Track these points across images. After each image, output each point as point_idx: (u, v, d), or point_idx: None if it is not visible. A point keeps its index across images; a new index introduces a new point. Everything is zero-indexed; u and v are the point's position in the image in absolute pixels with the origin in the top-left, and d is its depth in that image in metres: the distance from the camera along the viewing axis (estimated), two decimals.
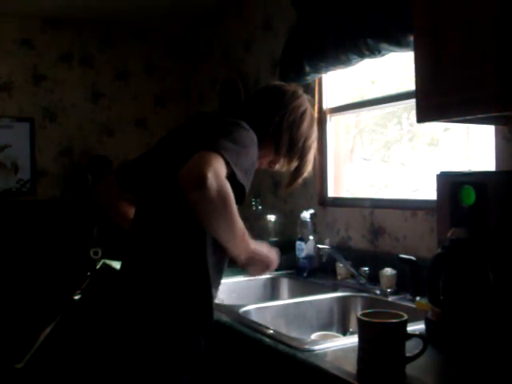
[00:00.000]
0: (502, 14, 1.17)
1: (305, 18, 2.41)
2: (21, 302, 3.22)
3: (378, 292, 1.91)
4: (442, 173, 1.49)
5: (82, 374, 1.40)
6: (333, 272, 2.22)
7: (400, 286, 1.89)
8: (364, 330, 1.14)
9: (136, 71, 3.86)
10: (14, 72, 3.53)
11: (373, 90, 2.57)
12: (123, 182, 1.59)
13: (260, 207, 2.74)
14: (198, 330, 1.38)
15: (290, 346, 1.36)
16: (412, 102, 1.51)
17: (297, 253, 2.30)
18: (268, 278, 2.31)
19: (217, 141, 1.25)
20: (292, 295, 2.23)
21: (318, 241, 2.35)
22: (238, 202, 1.27)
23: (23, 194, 3.54)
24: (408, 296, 1.82)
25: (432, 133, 2.37)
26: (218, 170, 1.17)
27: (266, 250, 1.48)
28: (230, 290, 2.16)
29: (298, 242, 2.31)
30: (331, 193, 2.51)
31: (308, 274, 2.27)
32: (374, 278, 1.99)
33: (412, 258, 1.79)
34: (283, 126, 1.55)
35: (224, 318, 1.65)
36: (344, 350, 1.31)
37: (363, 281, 2.01)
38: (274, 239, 2.59)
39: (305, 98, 1.63)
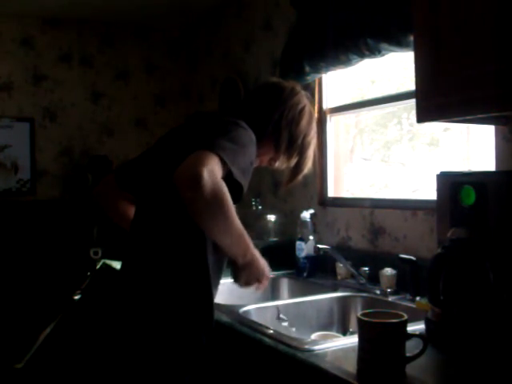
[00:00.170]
0: (502, 15, 1.17)
1: (305, 17, 2.41)
2: (21, 302, 3.22)
3: (377, 292, 1.91)
4: (441, 173, 1.49)
5: (83, 374, 1.40)
6: (333, 272, 2.22)
7: (400, 286, 1.89)
8: (364, 330, 1.14)
9: (136, 71, 3.86)
10: (14, 72, 3.53)
11: (373, 90, 2.57)
12: (122, 182, 1.60)
13: (260, 207, 2.74)
14: (198, 329, 1.38)
15: (290, 345, 1.36)
16: (412, 102, 1.51)
17: (297, 253, 2.30)
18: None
19: (214, 140, 1.25)
20: (292, 295, 2.23)
21: (318, 241, 2.35)
22: (235, 201, 1.26)
23: (23, 194, 3.53)
24: (408, 296, 1.82)
25: (432, 133, 2.37)
26: (212, 169, 1.17)
27: (263, 261, 1.45)
28: (230, 290, 2.16)
29: (298, 242, 2.31)
30: (331, 193, 2.51)
31: (308, 274, 2.27)
32: (374, 278, 1.99)
33: (412, 258, 1.79)
34: (282, 124, 1.55)
35: (224, 317, 1.65)
36: (344, 350, 1.32)
37: (363, 281, 2.01)
38: (274, 239, 2.59)
39: (303, 94, 1.63)
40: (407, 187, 2.40)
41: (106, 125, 3.77)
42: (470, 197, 1.36)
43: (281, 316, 1.80)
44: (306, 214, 2.31)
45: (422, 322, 1.40)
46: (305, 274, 2.27)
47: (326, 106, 2.54)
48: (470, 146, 2.13)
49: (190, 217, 1.24)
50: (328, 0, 2.23)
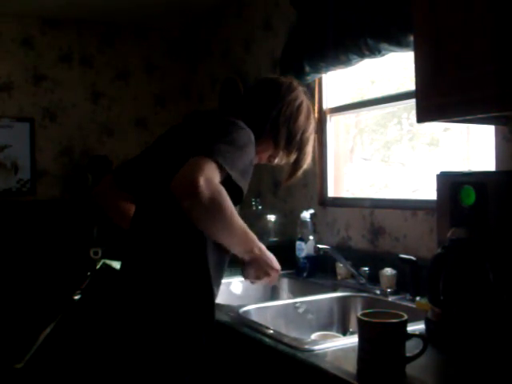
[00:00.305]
0: (502, 15, 1.17)
1: (305, 17, 2.41)
2: (21, 302, 3.22)
3: (378, 292, 1.91)
4: (442, 173, 1.49)
5: (83, 374, 1.40)
6: (333, 272, 2.22)
7: (400, 286, 1.89)
8: (364, 330, 1.14)
9: (136, 71, 3.86)
10: (14, 72, 3.53)
11: (373, 90, 2.57)
12: (121, 182, 1.60)
13: (260, 207, 2.74)
14: (199, 329, 1.38)
15: (290, 345, 1.36)
16: (412, 101, 1.51)
17: (297, 253, 2.30)
18: None
19: (211, 145, 1.25)
20: (292, 295, 2.22)
21: (318, 241, 2.35)
22: (236, 202, 1.28)
23: (23, 194, 3.53)
24: (408, 296, 1.82)
25: (432, 133, 2.37)
26: (209, 176, 1.18)
27: (270, 255, 1.49)
28: (231, 290, 2.16)
29: (298, 242, 2.31)
30: (331, 193, 2.51)
31: (308, 273, 2.27)
32: (374, 278, 1.99)
33: (412, 258, 1.79)
34: (280, 120, 1.55)
35: (224, 317, 1.65)
36: (344, 350, 1.32)
37: (363, 281, 2.01)
38: (274, 239, 2.59)
39: (300, 89, 1.63)
40: (407, 187, 2.40)
41: (106, 125, 3.77)
42: (469, 197, 1.36)
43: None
44: (306, 214, 2.31)
45: (422, 322, 1.40)
46: (305, 274, 2.27)
47: (326, 106, 2.54)
48: (470, 146, 2.13)
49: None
50: (328, 0, 2.23)
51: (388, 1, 1.91)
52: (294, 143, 1.59)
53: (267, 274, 1.50)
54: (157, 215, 1.43)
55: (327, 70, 2.33)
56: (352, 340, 1.32)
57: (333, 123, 2.54)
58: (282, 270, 2.30)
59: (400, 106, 2.24)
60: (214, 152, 1.23)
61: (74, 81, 3.68)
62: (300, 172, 1.65)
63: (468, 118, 1.35)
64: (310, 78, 2.43)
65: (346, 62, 2.19)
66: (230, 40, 3.36)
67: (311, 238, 2.30)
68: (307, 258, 2.28)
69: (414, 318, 1.41)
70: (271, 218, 2.62)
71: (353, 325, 1.89)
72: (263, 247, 1.46)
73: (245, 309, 1.77)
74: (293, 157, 1.62)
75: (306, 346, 1.34)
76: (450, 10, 1.29)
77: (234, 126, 1.37)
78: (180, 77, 3.96)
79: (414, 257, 1.80)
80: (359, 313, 1.20)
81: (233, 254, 1.45)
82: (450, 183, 1.43)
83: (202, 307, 1.38)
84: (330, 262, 2.24)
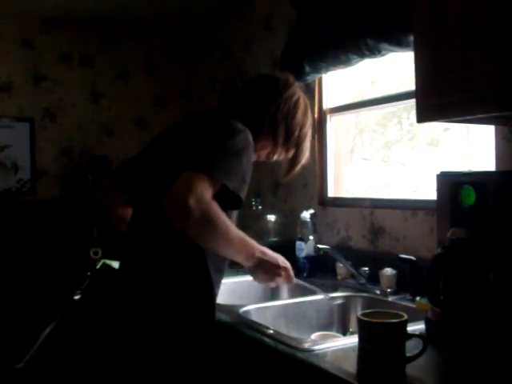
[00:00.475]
0: (502, 15, 1.17)
1: (305, 17, 2.41)
2: (21, 302, 3.22)
3: (378, 292, 1.91)
4: (442, 173, 1.49)
5: (83, 374, 1.40)
6: (333, 272, 2.22)
7: (400, 286, 1.89)
8: (364, 330, 1.14)
9: (136, 71, 3.85)
10: (14, 72, 3.52)
11: (373, 90, 2.57)
12: (119, 184, 1.59)
13: (260, 207, 2.74)
14: (199, 329, 1.38)
15: (289, 345, 1.36)
16: (412, 102, 1.51)
17: (297, 253, 2.30)
18: None
19: (204, 157, 1.26)
20: (292, 295, 2.22)
21: (318, 241, 2.35)
22: (235, 208, 1.32)
23: (23, 194, 3.53)
24: (408, 296, 1.82)
25: (432, 133, 2.37)
26: (199, 196, 1.19)
27: (275, 254, 1.50)
28: (231, 290, 2.16)
29: (298, 242, 2.31)
30: (331, 193, 2.51)
31: (308, 274, 2.27)
32: (374, 278, 1.99)
33: (412, 258, 1.79)
34: (278, 118, 1.55)
35: (224, 317, 1.65)
36: (344, 350, 1.31)
37: (363, 281, 2.01)
38: (274, 239, 2.59)
39: (297, 85, 1.63)
40: (407, 187, 2.40)
41: (105, 125, 3.77)
42: (470, 197, 1.36)
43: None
44: (306, 214, 2.31)
45: (422, 322, 1.40)
46: (305, 274, 2.27)
47: (326, 106, 2.54)
48: (470, 146, 2.13)
49: None
50: (328, 0, 2.23)
51: (388, 1, 1.91)
52: (293, 139, 1.59)
53: (278, 274, 1.51)
54: (155, 217, 1.42)
55: (327, 70, 2.33)
56: (352, 340, 1.32)
57: (333, 123, 2.54)
58: None
59: (400, 106, 2.24)
60: (206, 165, 1.24)
61: (74, 81, 3.67)
62: (298, 167, 1.66)
63: (468, 117, 1.35)
64: (310, 78, 2.43)
65: (346, 62, 2.19)
66: (230, 40, 3.36)
67: (311, 237, 2.30)
68: (307, 257, 2.28)
69: (414, 318, 1.40)
70: (271, 217, 2.62)
71: (353, 325, 1.89)
72: (265, 250, 1.47)
73: (245, 309, 1.77)
74: (291, 152, 1.63)
75: (306, 346, 1.34)
76: (449, 10, 1.29)
77: (231, 129, 1.36)
78: (180, 77, 3.96)
79: (414, 257, 1.80)
80: (359, 313, 1.20)
81: None
82: (450, 183, 1.43)
83: (202, 307, 1.38)
84: (330, 262, 2.24)
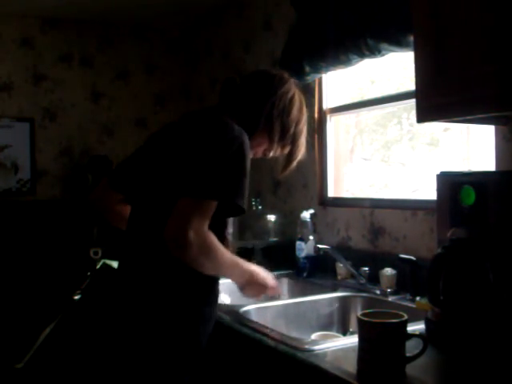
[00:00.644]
0: (502, 15, 1.17)
1: (304, 17, 2.41)
2: (21, 302, 3.22)
3: (378, 292, 1.91)
4: (441, 173, 1.49)
5: (83, 374, 1.40)
6: (333, 272, 2.22)
7: (400, 286, 1.89)
8: (364, 330, 1.14)
9: (136, 71, 3.85)
10: (14, 72, 3.52)
11: (373, 90, 2.57)
12: (115, 184, 1.59)
13: (260, 207, 2.74)
14: (199, 329, 1.38)
15: (290, 346, 1.36)
16: (412, 101, 1.51)
17: (297, 253, 2.30)
18: None
19: (201, 180, 1.29)
20: (292, 295, 2.23)
21: (318, 241, 2.35)
22: (236, 215, 1.38)
23: (23, 194, 3.53)
24: (408, 296, 1.82)
25: (432, 133, 2.38)
26: (198, 228, 1.25)
27: (264, 274, 1.55)
28: (230, 290, 2.16)
29: (297, 242, 2.31)
30: (331, 193, 2.51)
31: (308, 274, 2.27)
32: (374, 278, 1.99)
33: (412, 258, 1.79)
34: (274, 115, 1.55)
35: (224, 317, 1.65)
36: (344, 350, 1.32)
37: (363, 281, 2.01)
38: (274, 239, 2.59)
39: (292, 81, 1.63)
40: (407, 187, 2.40)
41: (106, 125, 3.77)
42: (470, 197, 1.36)
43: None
44: (306, 214, 2.31)
45: (422, 322, 1.40)
46: (305, 274, 2.27)
47: (326, 106, 2.54)
48: (470, 146, 2.13)
49: None
50: (328, 0, 2.23)
51: (388, 1, 1.91)
52: (289, 136, 1.60)
53: (264, 292, 1.58)
54: (152, 216, 1.43)
55: (327, 70, 2.33)
56: (352, 340, 1.32)
57: (333, 123, 2.54)
58: (282, 270, 2.34)
59: (400, 106, 2.24)
60: (204, 190, 1.28)
61: (74, 81, 3.67)
62: (294, 163, 1.66)
63: (468, 117, 1.35)
64: (309, 78, 2.43)
65: (346, 62, 2.19)
66: (230, 40, 3.36)
67: (311, 237, 2.30)
68: (307, 257, 2.28)
69: (414, 318, 1.40)
70: (271, 217, 2.62)
71: (353, 325, 1.89)
72: (256, 270, 1.52)
73: (245, 309, 1.77)
74: (287, 149, 1.63)
75: (306, 346, 1.34)
76: (450, 10, 1.29)
77: (227, 139, 1.35)
78: (180, 77, 3.96)
79: (414, 257, 1.80)
80: (359, 313, 1.20)
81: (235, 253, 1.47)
82: (450, 183, 1.43)
83: (202, 307, 1.38)
84: (330, 262, 2.24)
